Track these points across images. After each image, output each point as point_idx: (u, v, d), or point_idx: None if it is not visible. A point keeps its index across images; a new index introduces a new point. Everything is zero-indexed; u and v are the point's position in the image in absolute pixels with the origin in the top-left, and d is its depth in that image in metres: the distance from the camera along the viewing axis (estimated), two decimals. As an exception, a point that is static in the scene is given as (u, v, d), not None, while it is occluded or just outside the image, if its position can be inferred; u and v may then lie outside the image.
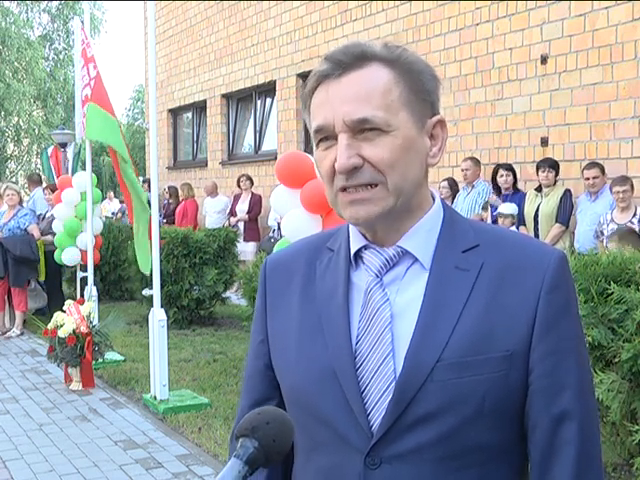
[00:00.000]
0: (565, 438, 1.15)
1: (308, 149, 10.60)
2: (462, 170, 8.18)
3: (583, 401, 1.17)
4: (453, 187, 8.46)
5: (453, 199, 8.31)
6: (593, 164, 7.03)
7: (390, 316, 1.17)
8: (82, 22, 7.93)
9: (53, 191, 9.85)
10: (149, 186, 8.78)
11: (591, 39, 7.30)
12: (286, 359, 1.27)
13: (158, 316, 5.99)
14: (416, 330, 1.16)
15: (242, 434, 1.00)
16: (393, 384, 1.14)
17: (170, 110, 16.28)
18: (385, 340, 1.16)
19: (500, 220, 7.32)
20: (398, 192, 1.16)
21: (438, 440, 1.14)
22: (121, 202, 17.84)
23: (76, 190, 8.83)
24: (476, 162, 8.22)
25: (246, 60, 13.25)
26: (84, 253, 8.46)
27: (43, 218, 10.16)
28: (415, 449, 1.14)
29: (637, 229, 6.36)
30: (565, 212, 7.20)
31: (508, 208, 7.43)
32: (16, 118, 32.39)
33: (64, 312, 6.69)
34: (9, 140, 33.59)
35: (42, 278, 9.81)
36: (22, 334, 9.23)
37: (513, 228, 7.08)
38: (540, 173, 7.33)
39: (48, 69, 34.13)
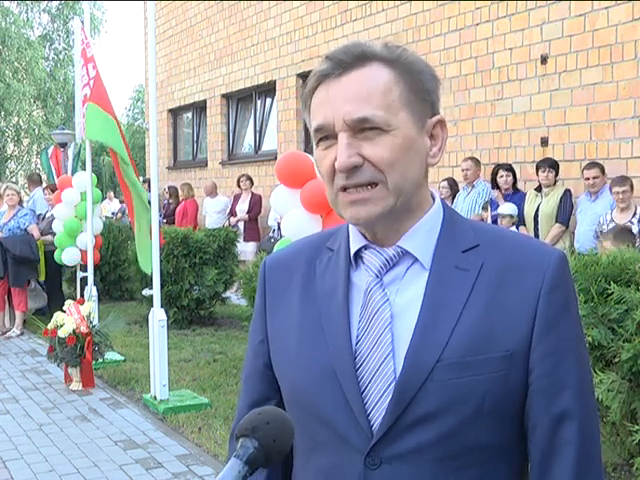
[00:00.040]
0: (565, 438, 1.15)
1: (308, 149, 10.60)
2: (462, 170, 8.18)
3: (583, 401, 1.17)
4: (453, 187, 8.46)
5: (453, 199, 8.31)
6: (593, 164, 7.03)
7: (390, 316, 1.17)
8: (82, 22, 7.93)
9: (53, 191, 9.85)
10: (149, 186, 8.77)
11: (591, 39, 7.30)
12: (286, 359, 1.27)
13: (158, 316, 5.99)
14: (416, 330, 1.16)
15: (242, 434, 1.00)
16: (393, 384, 1.14)
17: (170, 110, 16.28)
18: (385, 340, 1.16)
19: (499, 220, 7.33)
20: (398, 192, 1.16)
21: (438, 440, 1.14)
22: (121, 202, 17.85)
23: (76, 190, 8.83)
24: (476, 162, 8.22)
25: (246, 60, 13.25)
26: (84, 253, 8.46)
27: (43, 218, 10.16)
28: (415, 449, 1.14)
29: (637, 229, 6.36)
30: (565, 212, 7.20)
31: (507, 208, 7.43)
32: (16, 118, 32.39)
33: (64, 312, 6.69)
34: (9, 140, 33.59)
35: (42, 278, 9.81)
36: (22, 334, 9.23)
37: (513, 228, 7.08)
38: (540, 173, 7.33)
39: (48, 69, 34.13)
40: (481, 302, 1.16)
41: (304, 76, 11.18)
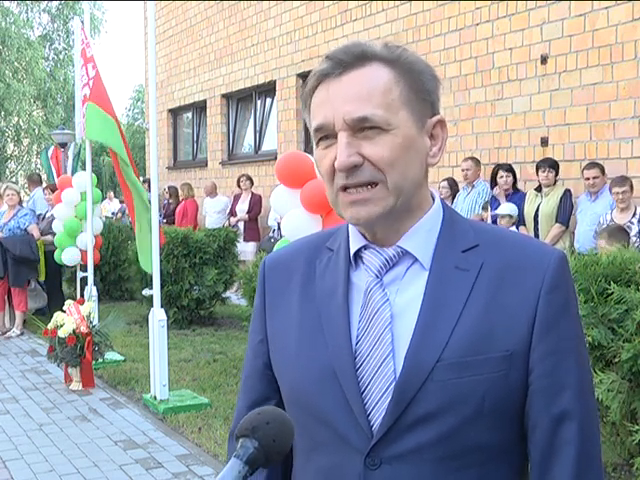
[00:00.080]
0: (565, 438, 1.15)
1: (308, 149, 10.60)
2: (463, 170, 8.18)
3: (583, 401, 1.17)
4: (453, 187, 8.46)
5: (453, 199, 8.31)
6: (593, 164, 7.03)
7: (390, 316, 1.17)
8: (82, 22, 7.93)
9: (53, 191, 9.85)
10: (149, 186, 8.78)
11: (591, 39, 7.30)
12: (286, 358, 1.26)
13: (158, 316, 5.99)
14: (416, 330, 1.16)
15: (242, 434, 1.00)
16: (393, 384, 1.14)
17: (170, 110, 16.28)
18: (385, 340, 1.16)
19: (498, 220, 7.32)
20: (398, 191, 1.16)
21: (438, 440, 1.14)
22: (121, 202, 17.85)
23: (76, 190, 8.83)
24: (477, 162, 8.22)
25: (246, 60, 13.25)
26: (84, 253, 8.46)
27: (43, 218, 10.16)
28: (415, 449, 1.14)
29: (637, 229, 6.36)
30: (565, 212, 7.20)
31: (506, 208, 7.43)
32: (16, 118, 32.40)
33: (64, 312, 6.69)
34: (9, 140, 33.60)
35: (42, 278, 9.81)
36: (22, 334, 9.23)
37: (513, 228, 7.08)
38: (540, 173, 7.33)
39: (48, 69, 34.14)
40: (481, 302, 1.16)
41: (304, 76, 11.18)
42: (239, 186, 12.10)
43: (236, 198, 12.10)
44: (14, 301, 9.36)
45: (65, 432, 5.49)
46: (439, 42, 9.03)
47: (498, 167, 7.87)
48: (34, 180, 12.09)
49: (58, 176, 11.80)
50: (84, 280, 8.13)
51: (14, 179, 31.80)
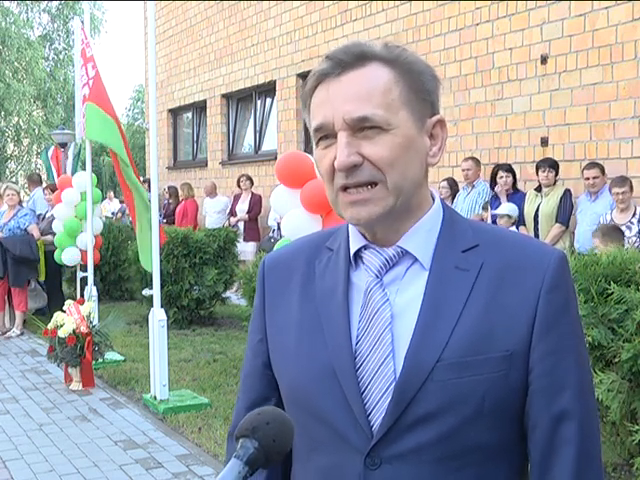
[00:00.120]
0: (565, 437, 1.15)
1: (308, 149, 10.60)
2: (463, 170, 8.18)
3: (583, 401, 1.17)
4: (453, 187, 8.46)
5: (453, 199, 8.31)
6: (593, 164, 7.03)
7: (390, 316, 1.17)
8: (82, 22, 7.94)
9: (53, 191, 9.85)
10: (149, 186, 8.77)
11: (591, 39, 7.30)
12: (285, 358, 1.26)
13: (158, 316, 5.99)
14: (416, 330, 1.16)
15: (242, 434, 1.00)
16: (393, 384, 1.14)
17: (170, 110, 16.28)
18: (385, 340, 1.16)
19: (497, 220, 7.32)
20: (398, 191, 1.16)
21: (438, 440, 1.14)
22: (121, 202, 17.84)
23: (76, 190, 8.83)
24: (477, 162, 8.23)
25: (246, 60, 13.25)
26: (84, 253, 8.46)
27: (43, 218, 10.16)
28: (415, 449, 1.14)
29: (637, 229, 6.36)
30: (565, 212, 7.20)
31: (504, 208, 7.43)
32: (16, 118, 32.39)
33: (64, 312, 6.69)
34: (9, 140, 33.60)
35: (42, 278, 9.82)
36: (22, 334, 9.23)
37: (513, 228, 7.08)
38: (540, 173, 7.33)
39: (48, 69, 34.13)
40: (481, 302, 1.16)
41: (304, 76, 11.18)
42: (239, 186, 12.10)
43: (236, 198, 12.10)
44: (14, 301, 9.36)
45: (65, 432, 5.49)
46: (439, 42, 9.03)
47: (498, 167, 7.86)
48: (34, 180, 12.09)
49: (58, 176, 11.81)
50: (84, 280, 8.13)
51: (14, 179, 31.80)
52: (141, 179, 7.70)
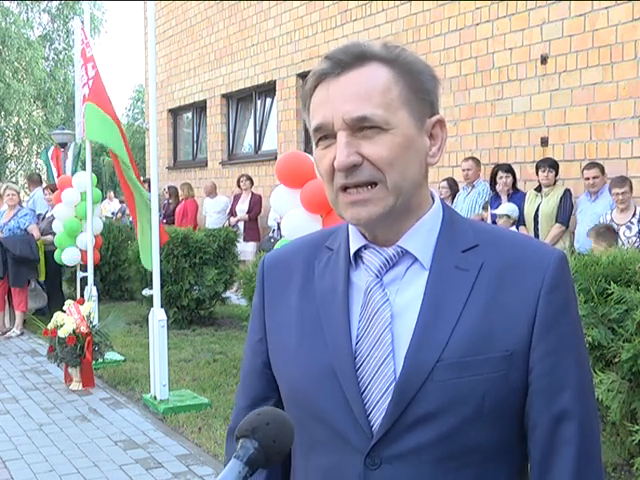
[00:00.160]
0: (565, 437, 1.15)
1: (308, 149, 10.60)
2: (463, 170, 8.19)
3: (583, 401, 1.17)
4: (453, 187, 8.46)
5: (453, 199, 8.31)
6: (593, 164, 7.03)
7: (390, 316, 1.17)
8: (82, 22, 7.94)
9: (53, 191, 9.85)
10: (149, 186, 8.78)
11: (591, 39, 7.30)
12: (285, 357, 1.26)
13: (158, 316, 5.99)
14: (416, 330, 1.15)
15: (242, 435, 1.00)
16: (393, 384, 1.14)
17: (170, 110, 16.28)
18: (385, 340, 1.16)
19: (497, 220, 7.32)
20: (398, 191, 1.16)
21: (438, 440, 1.14)
22: (121, 202, 17.85)
23: (76, 190, 8.83)
24: (477, 162, 8.23)
25: (246, 60, 13.25)
26: (84, 253, 8.46)
27: (43, 218, 10.16)
28: (415, 449, 1.14)
29: (637, 229, 6.36)
30: (565, 212, 7.20)
31: (503, 208, 7.43)
32: (16, 118, 32.40)
33: (64, 312, 6.69)
34: (9, 140, 33.60)
35: (42, 278, 9.82)
36: (22, 334, 9.23)
37: (513, 228, 7.08)
38: (540, 173, 7.33)
39: (48, 69, 34.13)
40: (481, 302, 1.16)
41: (304, 76, 11.18)
42: (239, 186, 12.10)
43: (236, 198, 12.10)
44: (14, 301, 9.36)
45: (65, 432, 5.49)
46: (439, 42, 9.03)
47: (497, 167, 7.86)
48: (34, 180, 12.09)
49: (58, 176, 11.81)
50: (84, 280, 8.13)
51: (14, 179, 31.80)
52: (141, 179, 7.70)
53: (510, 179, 7.72)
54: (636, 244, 6.21)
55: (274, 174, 4.75)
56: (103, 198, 16.06)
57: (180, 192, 13.33)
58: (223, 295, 9.45)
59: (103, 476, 4.66)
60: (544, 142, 7.83)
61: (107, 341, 6.71)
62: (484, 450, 1.15)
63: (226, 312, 9.86)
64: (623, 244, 6.06)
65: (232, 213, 12.01)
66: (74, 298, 7.73)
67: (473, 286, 1.16)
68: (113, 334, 7.08)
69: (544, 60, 7.76)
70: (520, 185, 7.91)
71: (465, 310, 1.15)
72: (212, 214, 12.39)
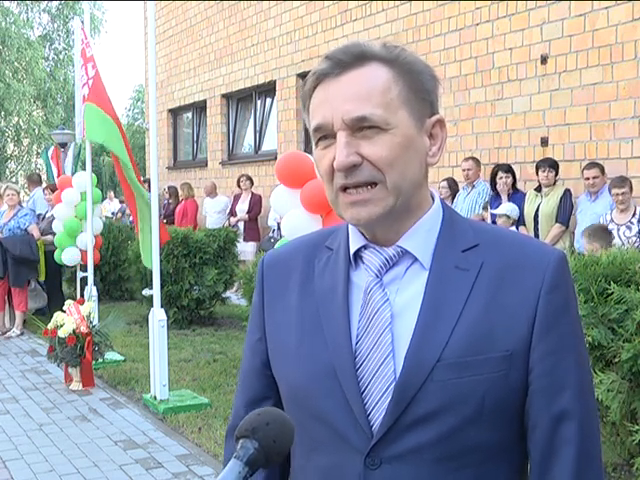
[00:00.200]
0: (565, 437, 1.15)
1: (308, 149, 10.60)
2: (463, 170, 8.19)
3: (583, 401, 1.17)
4: (453, 187, 8.46)
5: (453, 199, 8.31)
6: (593, 164, 7.03)
7: (390, 316, 1.17)
8: (82, 22, 7.94)
9: (53, 191, 9.85)
10: (149, 186, 8.78)
11: (591, 39, 7.30)
12: (285, 357, 1.26)
13: (158, 316, 5.99)
14: (416, 330, 1.15)
15: (242, 435, 1.00)
16: (393, 384, 1.14)
17: (170, 110, 16.28)
18: (385, 340, 1.16)
19: (496, 220, 7.32)
20: (397, 191, 1.16)
21: (438, 440, 1.14)
22: (121, 202, 17.84)
23: (76, 190, 8.83)
24: (477, 162, 8.23)
25: (246, 60, 13.25)
26: (84, 253, 8.46)
27: (43, 218, 10.16)
28: (415, 449, 1.14)
29: (637, 229, 6.36)
30: (565, 212, 7.20)
31: (503, 208, 7.43)
32: (16, 118, 32.39)
33: (64, 312, 6.69)
34: (9, 140, 33.60)
35: (42, 278, 9.82)
36: (22, 334, 9.23)
37: (513, 228, 7.08)
38: (540, 173, 7.33)
39: (48, 69, 34.13)
40: (481, 302, 1.15)
41: (304, 76, 11.07)
42: (239, 186, 12.10)
43: (236, 198, 12.10)
44: (14, 301, 9.36)
45: (65, 432, 5.49)
46: (439, 42, 9.03)
47: (497, 167, 7.86)
48: (34, 180, 12.09)
49: (58, 176, 11.81)
50: (84, 280, 8.13)
51: (14, 179, 31.83)
52: (141, 179, 7.69)
53: (510, 179, 7.72)
54: (636, 244, 6.21)
55: (274, 174, 4.75)
56: (103, 198, 16.05)
57: (180, 192, 13.33)
58: (223, 295, 9.45)
59: (103, 476, 4.66)
60: (544, 142, 7.83)
61: (107, 341, 6.71)
62: (484, 450, 1.15)
63: (226, 312, 9.86)
64: (623, 244, 6.06)
65: (232, 213, 12.01)
66: (74, 298, 7.73)
67: (473, 286, 1.16)
68: (113, 334, 7.08)
69: (544, 60, 7.76)
70: (520, 185, 7.91)
71: (465, 310, 1.15)
72: (212, 214, 12.39)
